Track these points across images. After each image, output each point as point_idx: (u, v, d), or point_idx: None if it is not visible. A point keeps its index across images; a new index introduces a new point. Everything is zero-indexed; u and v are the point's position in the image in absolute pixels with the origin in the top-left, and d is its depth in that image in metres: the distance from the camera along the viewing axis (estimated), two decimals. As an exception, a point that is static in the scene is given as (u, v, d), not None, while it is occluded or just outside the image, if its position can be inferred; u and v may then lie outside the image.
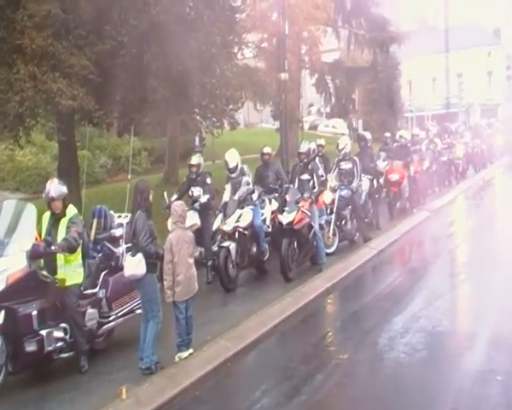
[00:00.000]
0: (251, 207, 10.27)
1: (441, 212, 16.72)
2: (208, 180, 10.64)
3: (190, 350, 6.97)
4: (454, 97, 40.43)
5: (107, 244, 7.81)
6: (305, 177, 11.13)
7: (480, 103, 58.32)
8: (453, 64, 38.30)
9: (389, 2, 31.07)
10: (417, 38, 32.72)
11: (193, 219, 9.95)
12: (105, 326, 7.14)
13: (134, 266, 6.60)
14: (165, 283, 6.78)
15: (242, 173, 10.62)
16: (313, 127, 46.71)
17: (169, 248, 6.77)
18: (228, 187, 10.65)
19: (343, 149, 12.76)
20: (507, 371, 6.40)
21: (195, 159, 11.02)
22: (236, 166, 10.59)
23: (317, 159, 12.58)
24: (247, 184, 10.50)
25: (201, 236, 10.17)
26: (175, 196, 10.32)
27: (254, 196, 10.48)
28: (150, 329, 6.55)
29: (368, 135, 15.54)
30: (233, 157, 10.69)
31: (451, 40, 36.62)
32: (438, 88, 52.38)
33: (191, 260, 7.00)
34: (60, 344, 6.49)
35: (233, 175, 10.59)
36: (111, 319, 7.17)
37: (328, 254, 11.14)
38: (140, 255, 6.56)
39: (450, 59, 37.10)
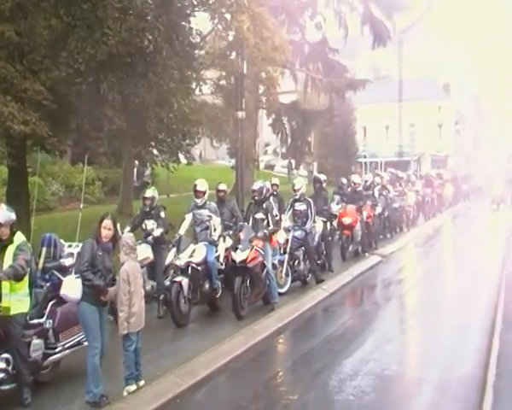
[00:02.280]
0: (205, 243, 10.33)
1: (392, 257, 17.16)
2: (162, 214, 10.68)
3: (140, 383, 6.91)
4: (406, 146, 41.82)
5: (56, 273, 7.70)
6: (260, 216, 11.31)
7: (430, 154, 60.52)
8: (405, 114, 39.79)
9: (345, 50, 32.18)
10: (372, 86, 33.81)
11: (146, 252, 9.93)
12: (51, 358, 6.97)
13: (69, 287, 6.69)
14: (121, 314, 6.74)
15: (213, 211, 10.69)
16: (269, 167, 47.31)
17: (126, 279, 6.77)
18: (188, 217, 10.67)
19: (299, 189, 13.02)
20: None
21: (149, 192, 11.07)
22: (205, 192, 10.68)
23: (271, 198, 12.79)
24: (219, 224, 10.67)
25: (154, 270, 10.17)
26: (128, 228, 10.29)
27: (216, 235, 10.54)
28: (88, 362, 6.49)
29: (323, 177, 15.90)
30: (203, 183, 10.82)
31: (404, 91, 38.11)
32: (391, 136, 54.16)
33: (143, 291, 7.06)
34: (1, 375, 6.31)
35: (198, 201, 10.63)
36: (57, 350, 7.02)
37: (280, 294, 11.25)
38: (79, 280, 6.59)
39: (403, 109, 38.54)
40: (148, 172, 26.13)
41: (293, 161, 36.23)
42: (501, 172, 39.33)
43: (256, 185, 11.79)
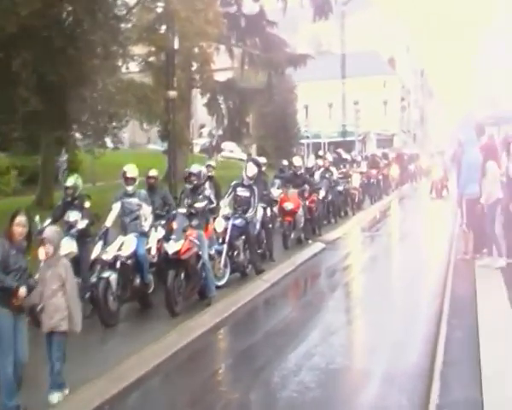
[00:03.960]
0: (135, 234, 10.21)
1: (337, 244, 17.44)
2: (87, 204, 10.47)
3: (66, 391, 6.79)
4: (350, 125, 42.52)
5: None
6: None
7: (375, 133, 61.93)
8: (349, 91, 40.41)
9: (285, 23, 32.33)
10: (314, 61, 34.11)
11: (69, 246, 9.70)
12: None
13: None
14: (57, 314, 6.61)
15: (143, 200, 10.55)
16: (204, 150, 47.21)
17: (70, 273, 6.68)
18: (116, 207, 10.51)
19: (253, 177, 13.00)
20: (400, 408, 6.77)
21: (71, 180, 10.82)
22: (135, 178, 10.56)
23: (206, 183, 12.73)
24: (150, 213, 10.58)
25: (78, 265, 9.92)
26: (48, 221, 10.04)
27: (146, 225, 10.43)
28: (0, 373, 6.31)
29: (262, 160, 15.94)
30: (133, 169, 10.68)
31: (348, 66, 38.62)
32: (334, 115, 54.93)
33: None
34: None
35: (129, 189, 10.50)
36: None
37: (218, 287, 11.24)
38: None
39: (347, 85, 39.15)
40: (63, 159, 25.30)
41: (214, 143, 36.21)
42: (445, 149, 39.19)
43: (194, 168, 11.72)
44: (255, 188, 12.99)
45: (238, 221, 12.47)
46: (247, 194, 12.89)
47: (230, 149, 47.81)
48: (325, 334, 9.37)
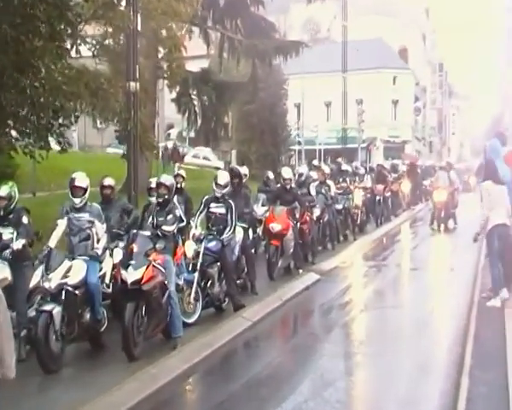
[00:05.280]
0: (85, 258, 10.19)
1: (334, 275, 17.57)
2: (25, 219, 10.44)
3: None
4: (352, 130, 42.84)
5: None
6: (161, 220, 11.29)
7: (383, 140, 62.35)
8: (351, 88, 40.73)
9: (273, 3, 32.46)
10: (309, 50, 34.32)
11: (1, 271, 9.67)
12: None
13: None
14: (3, 352, 6.52)
15: (96, 215, 10.58)
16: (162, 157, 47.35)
17: (3, 304, 6.65)
18: (61, 224, 10.49)
19: (225, 186, 13.04)
20: None
21: (5, 189, 10.77)
22: (86, 188, 10.58)
23: (175, 197, 12.75)
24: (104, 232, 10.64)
25: (13, 295, 9.87)
26: (-26, 240, 10.04)
27: (100, 247, 10.43)
28: None
29: (243, 170, 16.00)
30: (83, 177, 10.71)
31: (350, 58, 38.92)
32: (333, 116, 55.34)
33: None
34: None
35: (76, 201, 10.51)
36: None
37: (187, 325, 11.27)
38: None
39: (349, 81, 39.48)
40: None
41: (170, 145, 36.02)
42: (452, 162, 38.74)
43: (165, 179, 11.72)
44: (232, 202, 13.03)
45: (212, 244, 12.50)
46: (222, 210, 12.93)
47: (205, 156, 47.93)
48: (318, 386, 9.39)
